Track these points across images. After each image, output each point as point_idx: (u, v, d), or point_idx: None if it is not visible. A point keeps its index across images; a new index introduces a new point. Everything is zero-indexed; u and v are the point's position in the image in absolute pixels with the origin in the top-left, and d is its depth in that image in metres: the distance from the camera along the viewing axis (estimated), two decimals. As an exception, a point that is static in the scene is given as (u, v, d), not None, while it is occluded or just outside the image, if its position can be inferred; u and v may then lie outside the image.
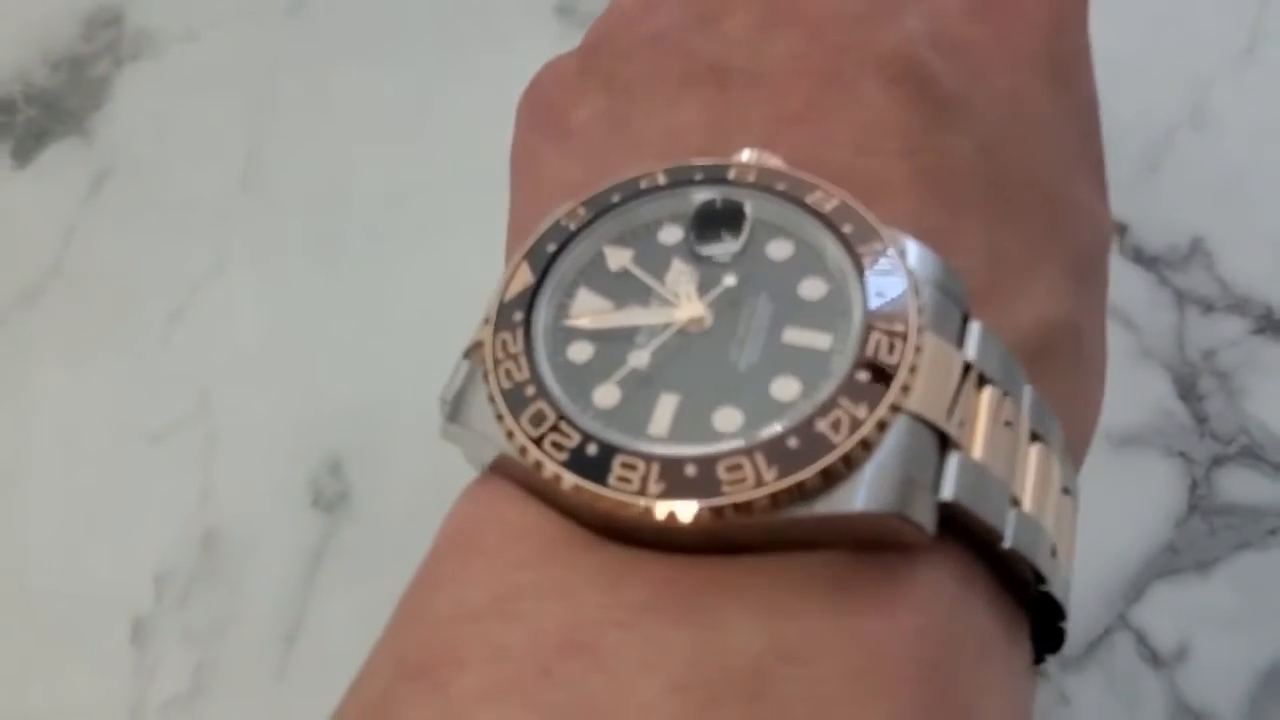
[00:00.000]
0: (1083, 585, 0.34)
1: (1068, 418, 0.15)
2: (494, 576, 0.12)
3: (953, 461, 0.12)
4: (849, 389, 0.12)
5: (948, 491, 0.12)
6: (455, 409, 0.14)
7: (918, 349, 0.12)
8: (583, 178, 0.15)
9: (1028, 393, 0.14)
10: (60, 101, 0.43)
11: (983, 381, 0.13)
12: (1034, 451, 0.14)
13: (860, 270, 0.13)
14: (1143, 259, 0.36)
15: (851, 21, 0.15)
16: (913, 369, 0.12)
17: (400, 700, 0.12)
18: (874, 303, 0.13)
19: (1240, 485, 0.34)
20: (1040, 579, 0.14)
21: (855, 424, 0.12)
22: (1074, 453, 0.16)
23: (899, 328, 0.12)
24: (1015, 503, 0.13)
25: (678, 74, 0.15)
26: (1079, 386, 0.16)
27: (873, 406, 0.12)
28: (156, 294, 0.40)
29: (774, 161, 0.14)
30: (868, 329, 0.12)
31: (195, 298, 0.40)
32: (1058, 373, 0.15)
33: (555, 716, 0.11)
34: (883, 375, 0.12)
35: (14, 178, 0.42)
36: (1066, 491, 0.15)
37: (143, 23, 0.43)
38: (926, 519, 0.12)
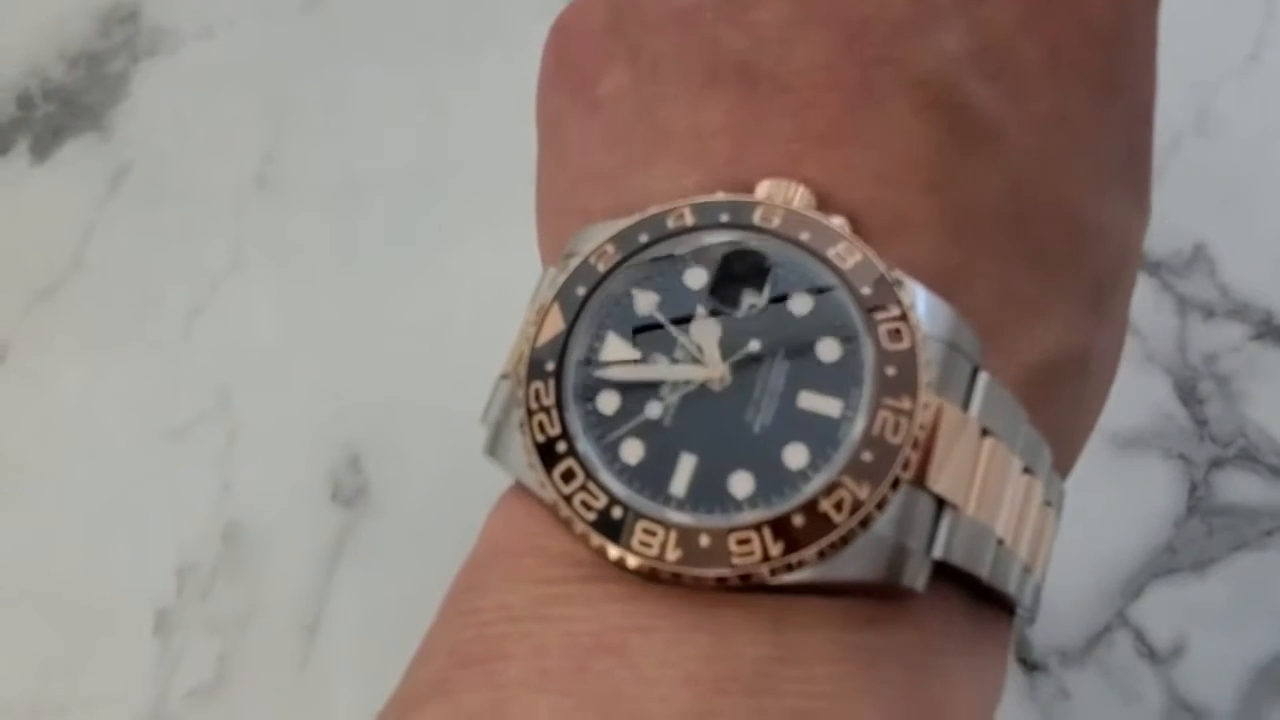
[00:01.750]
0: (1083, 583, 0.35)
1: (1063, 436, 0.16)
2: (532, 587, 0.14)
3: (946, 522, 0.13)
4: (854, 468, 0.13)
5: (939, 551, 0.13)
6: (494, 443, 0.15)
7: (922, 426, 0.13)
8: (610, 164, 0.16)
9: (1024, 430, 0.15)
10: (78, 97, 0.43)
11: (984, 431, 0.14)
12: (1021, 483, 0.14)
13: (875, 337, 0.13)
14: (1146, 265, 0.36)
15: (890, 29, 0.14)
16: (915, 444, 0.13)
17: (456, 682, 0.13)
18: (885, 374, 0.13)
19: (1238, 487, 0.35)
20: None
21: (857, 504, 0.13)
22: (1065, 464, 0.16)
23: (905, 405, 0.13)
24: (998, 541, 0.14)
25: (705, 65, 0.15)
26: (1080, 408, 0.17)
27: (875, 486, 0.13)
28: (176, 290, 0.41)
29: (797, 196, 0.14)
30: (876, 405, 0.13)
31: (214, 294, 0.41)
32: (1060, 400, 0.16)
33: (590, 701, 0.13)
34: (887, 452, 0.13)
35: (33, 173, 0.43)
36: (1049, 503, 0.15)
37: (159, 19, 0.44)
38: (918, 579, 0.13)
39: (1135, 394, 0.36)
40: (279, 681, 0.37)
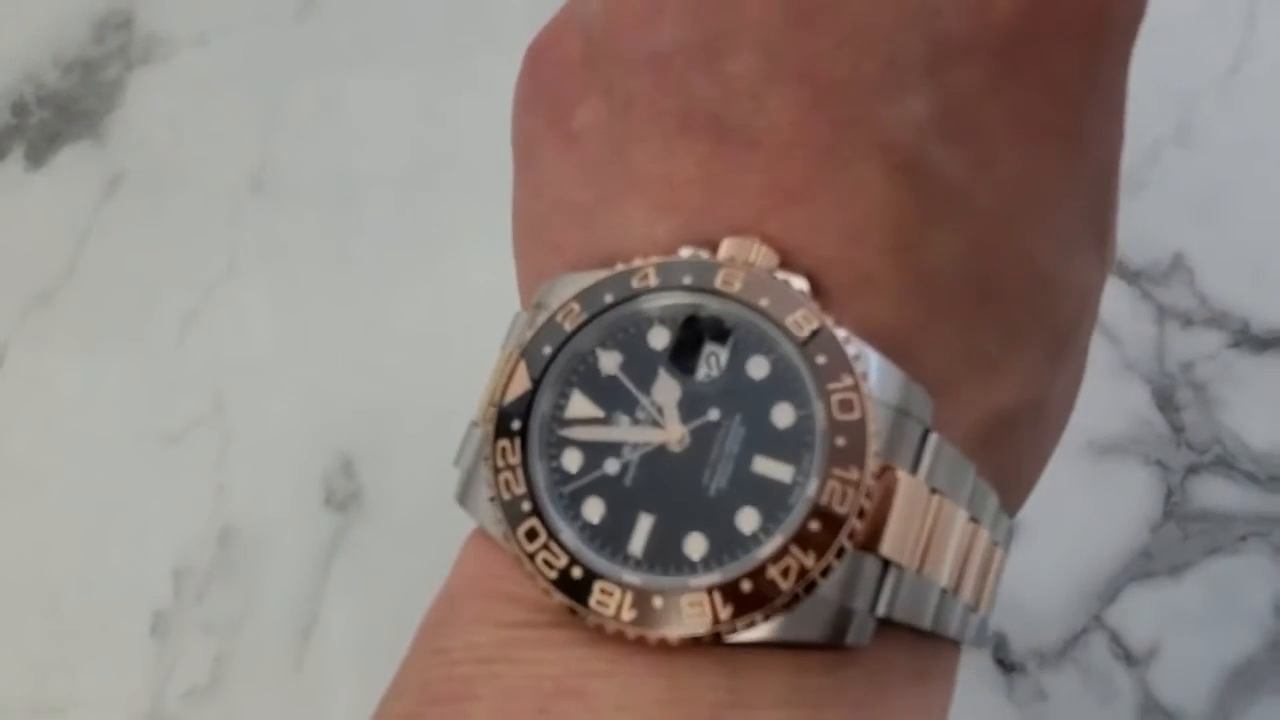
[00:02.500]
0: (1060, 587, 0.36)
1: (1013, 480, 0.16)
2: (499, 631, 0.15)
3: (890, 582, 0.14)
4: (801, 537, 0.13)
5: (883, 610, 0.14)
6: (464, 492, 0.16)
7: (869, 495, 0.14)
8: (583, 200, 0.16)
9: (972, 483, 0.15)
10: (73, 104, 0.44)
11: (932, 490, 0.14)
12: (967, 532, 0.15)
13: (828, 406, 0.14)
14: (1126, 274, 0.37)
15: (860, 91, 0.15)
16: (861, 513, 0.14)
17: (426, 718, 0.14)
18: (835, 444, 0.14)
19: (1213, 493, 0.35)
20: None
21: (803, 572, 0.13)
22: (1015, 504, 0.17)
23: (853, 475, 0.14)
24: (942, 590, 0.15)
25: (677, 112, 0.15)
26: (1032, 452, 0.17)
27: (820, 555, 0.13)
28: (170, 296, 0.41)
29: (760, 255, 0.14)
30: (826, 475, 0.14)
31: (209, 300, 0.41)
32: (1012, 447, 0.16)
33: None
34: (833, 522, 0.13)
35: (29, 179, 0.43)
36: (996, 542, 0.16)
37: (153, 26, 0.44)
38: (862, 637, 0.14)
39: (1114, 401, 0.36)
40: (274, 682, 0.37)
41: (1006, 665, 0.35)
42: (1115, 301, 0.37)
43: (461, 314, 0.39)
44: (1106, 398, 0.36)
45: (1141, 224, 0.37)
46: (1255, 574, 0.35)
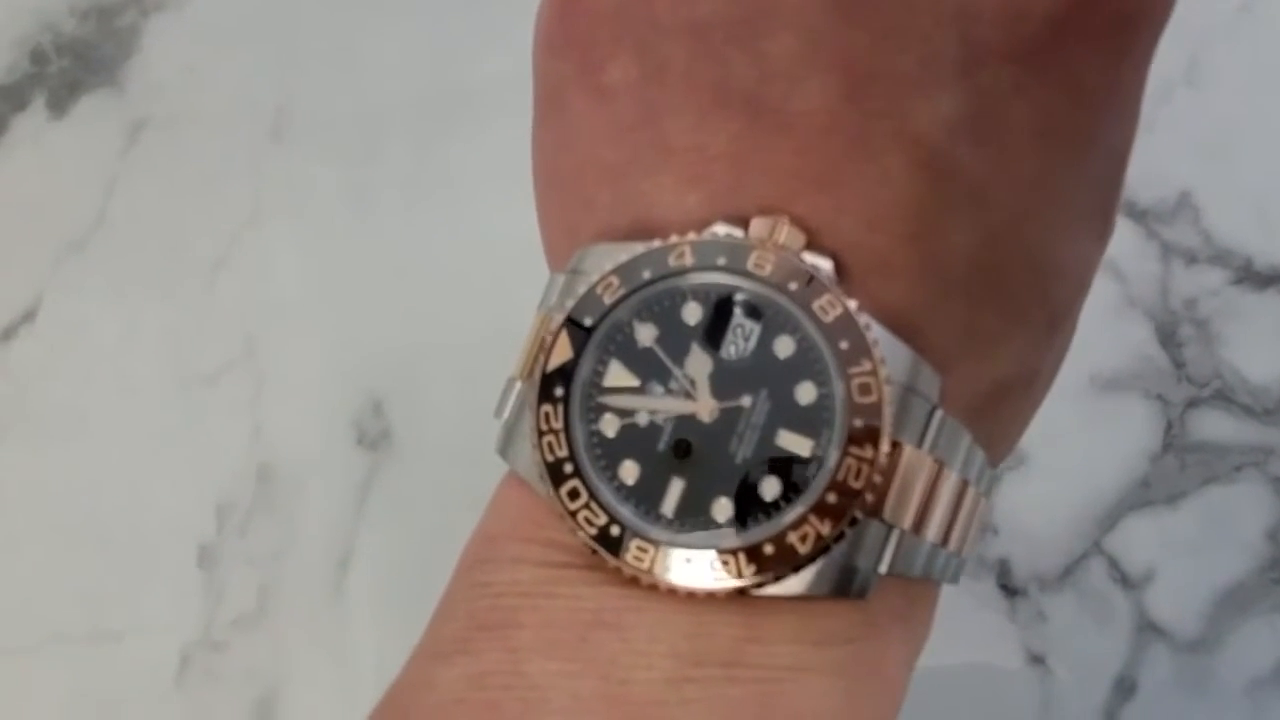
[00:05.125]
0: (1062, 516, 0.38)
1: (1001, 439, 0.18)
2: (540, 570, 0.16)
3: (893, 541, 0.16)
4: (819, 508, 0.15)
5: (884, 569, 0.16)
6: (506, 445, 0.17)
7: (880, 470, 0.15)
8: (614, 160, 0.16)
9: (966, 447, 0.16)
10: (91, 51, 0.44)
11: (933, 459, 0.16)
12: (957, 491, 0.16)
13: (848, 388, 0.15)
14: (1133, 213, 0.38)
15: (894, 85, 0.15)
16: (873, 486, 0.15)
17: (477, 643, 0.16)
18: (853, 424, 0.15)
19: (1212, 425, 0.37)
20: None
21: (819, 538, 0.15)
22: (999, 459, 0.18)
23: (868, 454, 0.15)
24: (931, 544, 0.16)
25: (712, 85, 0.16)
26: (1020, 416, 0.18)
27: (835, 524, 0.15)
28: (198, 242, 0.42)
29: (785, 233, 0.15)
30: (844, 452, 0.15)
31: (236, 246, 0.42)
32: (1004, 413, 0.17)
33: (590, 668, 0.15)
34: (848, 495, 0.15)
35: (52, 128, 0.44)
36: (983, 493, 0.17)
37: (166, -30, 0.44)
38: (863, 589, 0.15)
39: (1117, 337, 0.37)
40: (316, 611, 0.39)
41: (1009, 589, 0.37)
42: (1121, 240, 0.37)
43: (484, 253, 0.40)
44: (1110, 334, 0.37)
45: (1150, 163, 0.37)
46: (1249, 502, 0.36)
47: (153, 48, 0.44)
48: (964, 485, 0.16)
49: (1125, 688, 0.36)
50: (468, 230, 0.42)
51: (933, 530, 0.16)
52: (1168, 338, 0.37)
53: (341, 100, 0.43)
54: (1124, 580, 0.37)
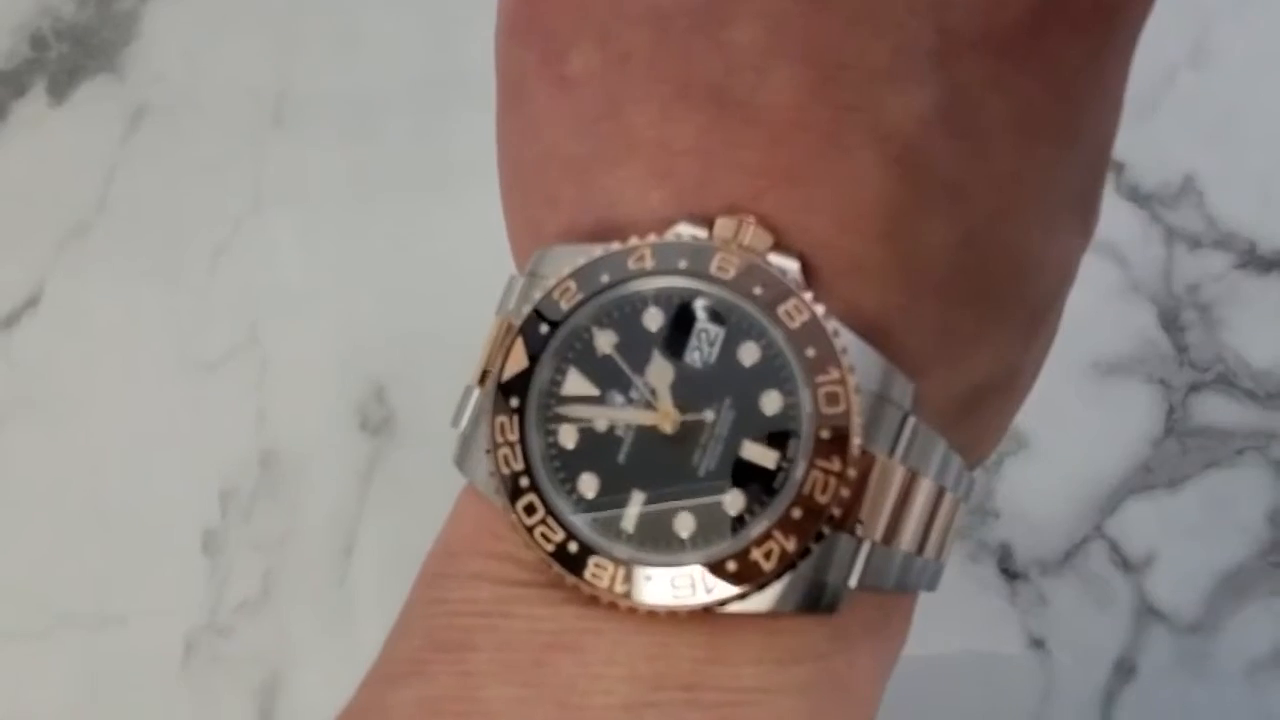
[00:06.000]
0: (1063, 500, 0.38)
1: (980, 442, 0.17)
2: (497, 588, 0.15)
3: (862, 556, 0.15)
4: (784, 524, 0.14)
5: (854, 582, 0.15)
6: (462, 456, 0.16)
7: (849, 482, 0.14)
8: (577, 154, 0.16)
9: (941, 453, 0.16)
10: (90, 37, 0.44)
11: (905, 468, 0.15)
12: (932, 499, 0.16)
13: (814, 398, 0.14)
14: (1137, 197, 0.38)
15: (865, 77, 0.14)
16: (840, 500, 0.14)
17: (431, 665, 0.15)
18: (819, 436, 0.14)
19: (1213, 409, 0.37)
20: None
21: (784, 554, 0.14)
22: (978, 460, 0.17)
23: (835, 466, 0.14)
24: (904, 554, 0.16)
25: (676, 76, 0.15)
26: (999, 418, 0.17)
27: (801, 540, 0.14)
28: (200, 228, 0.42)
29: (751, 234, 0.15)
30: (810, 465, 0.14)
31: (237, 232, 0.42)
32: (982, 415, 0.16)
33: (546, 693, 0.15)
34: (814, 510, 0.14)
35: (52, 115, 0.44)
36: (959, 499, 0.17)
37: (164, -46, 0.44)
38: (832, 604, 0.15)
39: (1120, 322, 0.37)
40: (320, 596, 0.40)
41: (1010, 573, 0.37)
42: (1125, 224, 0.37)
43: (487, 238, 0.40)
44: (1113, 319, 0.37)
45: (1154, 147, 0.37)
46: (1250, 486, 0.36)
47: (152, 33, 0.44)
48: (940, 492, 0.16)
49: (1125, 670, 0.36)
50: (470, 215, 0.41)
51: (906, 540, 0.15)
52: (1170, 322, 0.37)
53: (342, 85, 0.43)
54: (1125, 564, 0.37)
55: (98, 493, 0.41)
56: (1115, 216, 0.37)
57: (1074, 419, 0.37)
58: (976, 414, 0.16)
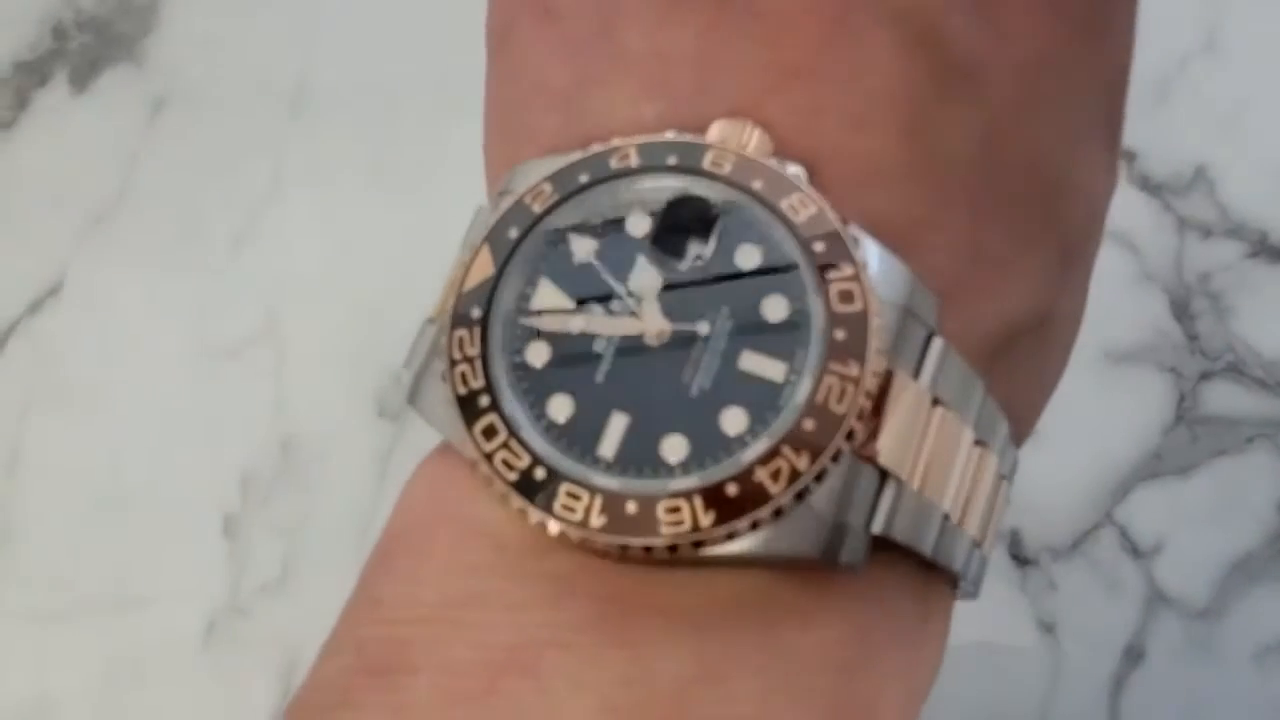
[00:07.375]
0: (1074, 487, 0.38)
1: (1020, 408, 0.15)
2: (446, 579, 0.13)
3: (888, 494, 0.12)
4: (794, 437, 0.12)
5: (879, 526, 0.12)
6: (415, 392, 0.14)
7: (869, 394, 0.12)
8: (562, 80, 0.14)
9: (979, 400, 0.13)
10: (110, 26, 0.44)
11: (935, 401, 0.13)
12: (973, 456, 0.13)
13: (826, 297, 0.12)
14: (1149, 186, 0.38)
15: None
16: (860, 414, 0.12)
17: (359, 694, 0.13)
18: (833, 338, 0.12)
19: (1224, 398, 0.37)
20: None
21: (794, 475, 0.12)
22: (1021, 436, 0.15)
23: (853, 371, 0.12)
24: (945, 517, 0.13)
25: None
26: (1039, 370, 0.15)
27: (814, 457, 0.12)
28: (219, 217, 0.43)
29: (753, 140, 0.13)
30: (823, 371, 0.12)
31: (257, 220, 0.43)
32: (1020, 368, 0.14)
33: None
34: (830, 421, 0.12)
35: (74, 104, 0.44)
36: (1003, 476, 0.14)
37: (184, -55, 0.44)
38: (855, 554, 0.12)
39: (1132, 311, 0.38)
40: (340, 581, 0.40)
41: (1020, 559, 0.38)
42: (1137, 213, 0.38)
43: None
44: (1125, 307, 0.38)
45: (1166, 136, 0.37)
46: (1259, 473, 0.37)
47: (172, 24, 0.44)
48: (982, 452, 0.14)
49: (1134, 656, 0.36)
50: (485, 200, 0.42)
51: (946, 495, 0.13)
52: (1181, 311, 0.38)
53: (361, 75, 0.43)
54: (1134, 550, 0.37)
55: (119, 478, 0.42)
56: (1127, 206, 0.37)
57: (1085, 406, 0.37)
58: (1012, 363, 0.14)
